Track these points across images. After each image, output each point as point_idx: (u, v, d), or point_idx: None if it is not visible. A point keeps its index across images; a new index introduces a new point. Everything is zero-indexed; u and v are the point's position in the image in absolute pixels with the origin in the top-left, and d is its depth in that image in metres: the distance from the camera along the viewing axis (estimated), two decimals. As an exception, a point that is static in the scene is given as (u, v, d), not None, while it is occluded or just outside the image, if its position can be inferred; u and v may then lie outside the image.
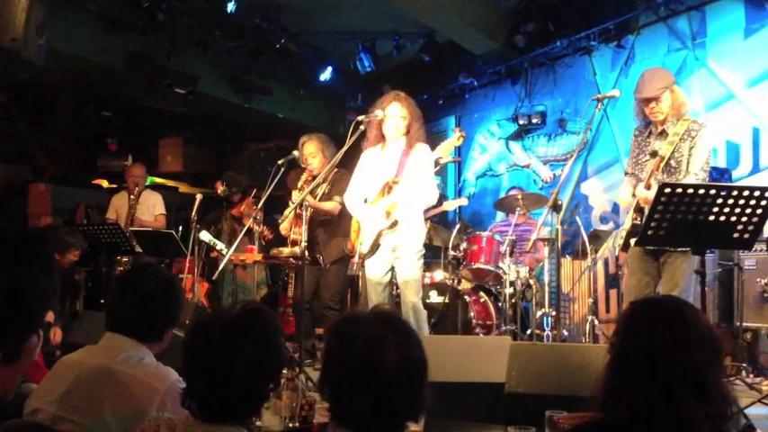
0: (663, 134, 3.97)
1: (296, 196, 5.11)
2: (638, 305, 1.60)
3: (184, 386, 1.63)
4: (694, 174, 3.79)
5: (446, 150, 4.44)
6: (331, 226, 5.31)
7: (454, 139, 4.47)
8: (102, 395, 1.89)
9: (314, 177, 5.15)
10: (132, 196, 6.61)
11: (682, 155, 3.87)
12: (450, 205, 6.26)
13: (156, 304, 2.06)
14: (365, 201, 4.48)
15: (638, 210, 3.89)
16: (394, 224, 4.23)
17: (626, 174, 4.26)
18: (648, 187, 3.78)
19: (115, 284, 2.22)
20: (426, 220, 5.00)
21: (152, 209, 6.82)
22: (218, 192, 6.75)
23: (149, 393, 1.88)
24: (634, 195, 3.92)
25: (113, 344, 2.04)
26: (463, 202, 6.31)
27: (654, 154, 3.86)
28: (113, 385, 1.90)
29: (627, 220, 4.01)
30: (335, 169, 4.96)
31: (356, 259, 4.52)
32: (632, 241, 3.87)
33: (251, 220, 5.19)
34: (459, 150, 8.57)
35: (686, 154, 3.86)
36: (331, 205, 5.19)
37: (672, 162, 3.87)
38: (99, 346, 2.06)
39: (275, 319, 1.69)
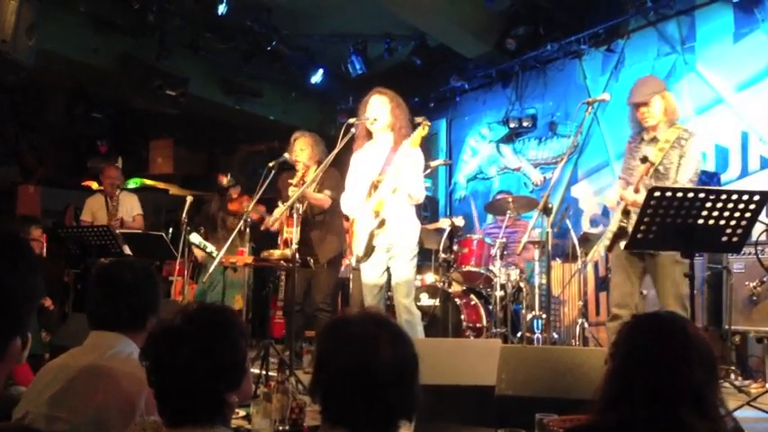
0: (654, 140, 4.02)
1: (292, 192, 5.12)
2: (642, 319, 1.64)
3: None
4: (682, 185, 3.82)
5: (414, 141, 4.34)
6: (324, 225, 5.33)
7: (420, 129, 4.38)
8: (94, 392, 1.89)
9: (304, 175, 5.19)
10: (112, 198, 6.64)
11: (671, 162, 3.93)
12: (446, 223, 6.30)
13: (137, 294, 2.09)
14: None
15: (625, 212, 3.97)
16: (382, 223, 4.20)
17: (619, 178, 4.31)
18: (637, 191, 3.84)
19: (94, 281, 2.21)
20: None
21: (130, 210, 6.86)
22: (223, 182, 6.74)
23: (138, 387, 1.87)
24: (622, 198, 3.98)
25: (99, 341, 2.05)
26: (459, 222, 6.36)
27: (644, 159, 3.90)
28: (104, 381, 1.91)
29: (613, 222, 4.07)
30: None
31: (353, 262, 4.48)
32: (622, 244, 3.91)
33: (241, 222, 5.16)
34: (450, 153, 8.60)
35: (675, 162, 3.93)
36: (321, 197, 5.20)
37: (660, 168, 3.93)
38: (85, 346, 2.07)
39: (225, 317, 1.67)
